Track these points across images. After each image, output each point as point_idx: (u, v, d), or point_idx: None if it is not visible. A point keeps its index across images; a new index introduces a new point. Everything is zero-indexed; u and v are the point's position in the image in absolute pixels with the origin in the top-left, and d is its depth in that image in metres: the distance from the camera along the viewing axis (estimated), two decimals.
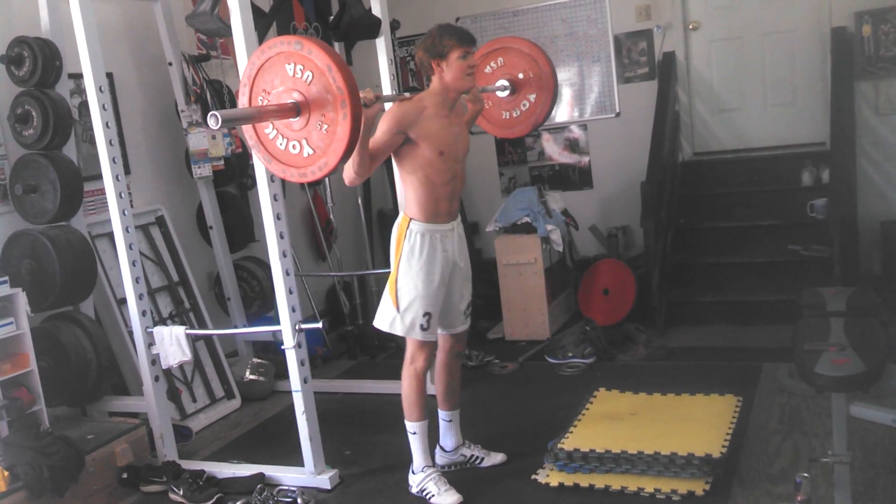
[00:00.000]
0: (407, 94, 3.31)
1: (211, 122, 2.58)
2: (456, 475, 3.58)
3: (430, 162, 3.24)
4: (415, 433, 3.43)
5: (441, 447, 3.65)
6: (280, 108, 2.70)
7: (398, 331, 3.35)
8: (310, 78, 2.66)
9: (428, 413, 3.48)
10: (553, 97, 3.87)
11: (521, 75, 3.87)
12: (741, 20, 5.89)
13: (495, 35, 6.38)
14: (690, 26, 6.02)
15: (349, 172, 3.09)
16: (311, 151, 2.74)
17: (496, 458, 3.66)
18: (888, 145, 5.55)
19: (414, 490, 3.44)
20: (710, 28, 5.99)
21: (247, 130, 2.87)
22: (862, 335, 2.81)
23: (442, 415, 3.63)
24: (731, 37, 5.94)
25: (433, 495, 3.36)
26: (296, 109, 2.70)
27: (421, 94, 3.32)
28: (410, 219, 3.31)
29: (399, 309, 3.31)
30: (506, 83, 3.88)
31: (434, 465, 3.50)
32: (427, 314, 3.30)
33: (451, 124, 3.32)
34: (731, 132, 6.06)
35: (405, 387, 3.43)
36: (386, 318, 3.38)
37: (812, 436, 3.59)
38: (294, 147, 2.77)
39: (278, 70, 2.72)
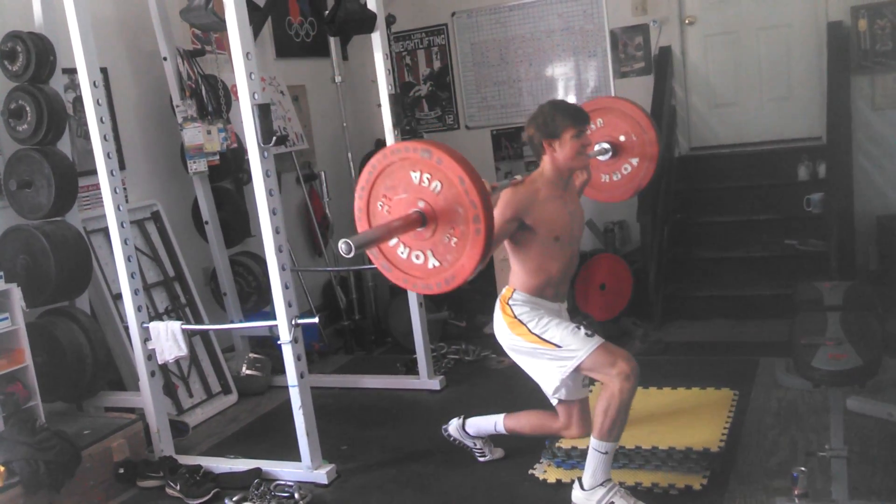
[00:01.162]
0: (518, 178, 3.11)
1: (343, 248, 2.41)
2: (455, 468, 3.59)
3: (546, 249, 3.06)
4: (606, 453, 3.04)
5: (464, 424, 3.60)
6: (406, 222, 2.52)
7: (576, 359, 3.01)
8: (438, 188, 2.49)
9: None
10: (656, 163, 3.67)
11: (622, 138, 3.68)
12: (737, 15, 5.88)
13: (492, 30, 6.38)
14: (686, 21, 6.01)
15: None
16: (436, 264, 2.56)
17: (497, 453, 3.66)
18: (884, 140, 5.54)
19: None
20: (706, 22, 5.98)
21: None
22: (858, 329, 2.82)
23: (499, 426, 3.49)
24: (727, 31, 5.93)
25: None
26: (421, 220, 2.53)
27: (533, 176, 3.13)
28: (514, 289, 3.14)
29: (560, 345, 3.04)
30: (606, 146, 3.69)
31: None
32: (578, 325, 3.07)
33: (565, 204, 3.14)
34: (728, 127, 6.06)
35: (612, 405, 2.96)
36: (558, 369, 3.08)
37: (809, 430, 3.59)
38: (417, 258, 2.60)
39: (402, 176, 2.55)
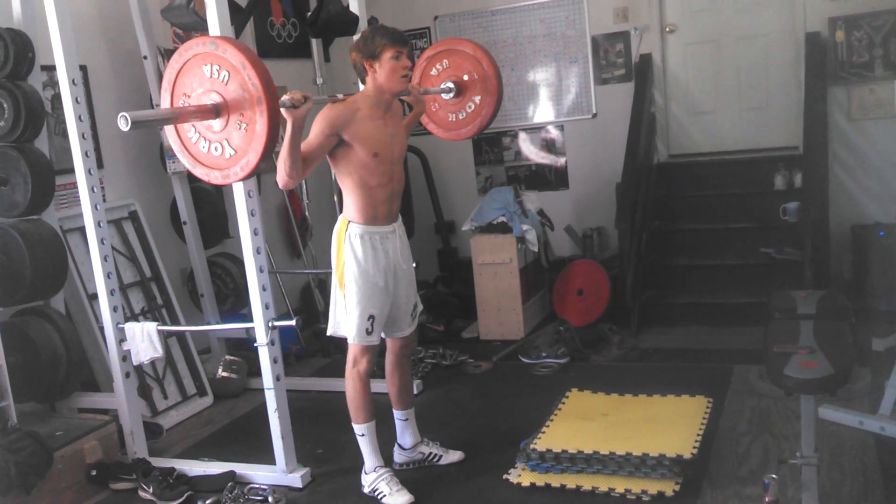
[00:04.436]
0: (340, 96, 3.25)
1: (120, 123, 2.50)
2: (426, 474, 3.59)
3: (364, 164, 3.20)
4: (363, 435, 3.43)
5: (399, 445, 3.66)
6: (198, 110, 2.65)
7: (342, 334, 3.35)
8: (226, 78, 2.63)
9: (377, 412, 3.46)
10: (497, 99, 3.82)
11: (466, 77, 3.83)
12: (717, 24, 5.93)
13: (474, 34, 6.40)
14: (667, 29, 6.06)
15: (281, 174, 3.04)
16: (232, 152, 2.70)
17: (454, 455, 3.67)
18: (860, 150, 5.61)
19: (366, 490, 3.44)
20: (687, 31, 6.03)
21: (170, 135, 2.81)
22: (831, 338, 2.84)
23: (397, 414, 3.64)
24: (707, 40, 5.98)
25: (385, 495, 3.36)
26: (215, 111, 2.65)
27: (355, 96, 3.28)
28: (349, 221, 3.28)
29: (345, 314, 3.31)
30: (451, 85, 3.83)
31: (385, 465, 3.47)
32: (371, 317, 3.28)
33: (385, 125, 3.28)
34: (706, 135, 6.11)
35: (349, 390, 3.40)
36: (332, 323, 3.39)
37: (781, 437, 3.63)
38: (216, 149, 2.73)
39: (196, 72, 2.68)
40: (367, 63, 3.22)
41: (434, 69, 3.89)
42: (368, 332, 3.30)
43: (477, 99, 3.83)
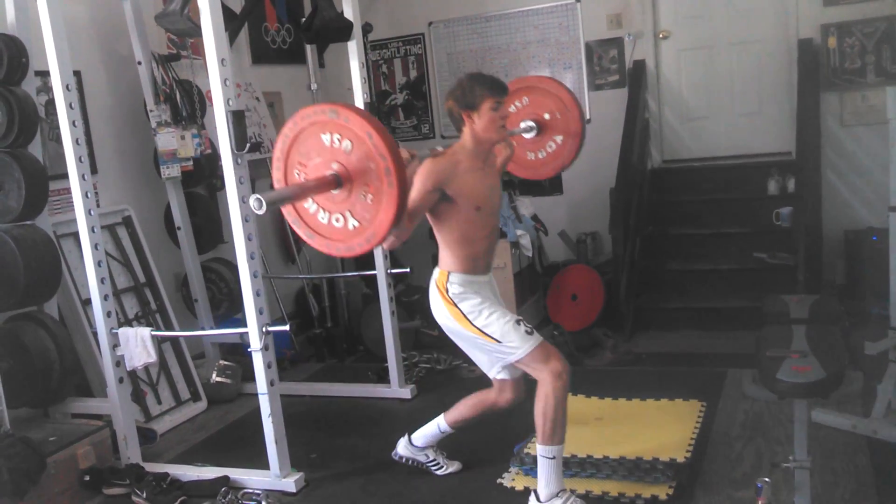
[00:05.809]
0: (439, 149, 3.14)
1: (254, 205, 2.43)
2: (421, 477, 3.59)
3: (467, 218, 3.09)
4: (554, 458, 3.07)
5: (410, 440, 3.61)
6: (321, 183, 2.54)
7: (514, 356, 3.08)
8: (349, 147, 2.51)
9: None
10: (580, 140, 3.71)
11: (547, 115, 3.70)
12: (710, 30, 5.96)
13: (469, 40, 6.42)
14: (661, 35, 6.08)
15: (389, 237, 2.84)
16: (356, 224, 2.57)
17: (452, 466, 3.64)
18: (852, 156, 5.64)
19: None
20: (680, 37, 6.05)
21: (285, 207, 2.70)
22: (823, 343, 2.86)
23: (442, 425, 3.52)
24: (701, 46, 6.01)
25: None
26: (336, 181, 2.54)
27: (453, 147, 3.15)
28: (449, 272, 3.14)
29: (500, 340, 3.08)
30: (531, 124, 3.72)
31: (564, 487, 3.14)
32: (519, 321, 3.09)
33: (485, 176, 3.17)
34: (700, 140, 6.13)
35: (549, 405, 3.02)
36: (496, 360, 3.20)
37: (774, 441, 3.64)
38: (337, 220, 2.60)
39: (314, 141, 2.57)
40: (466, 114, 3.09)
41: (513, 106, 3.72)
42: (530, 333, 3.06)
43: (559, 139, 3.71)
